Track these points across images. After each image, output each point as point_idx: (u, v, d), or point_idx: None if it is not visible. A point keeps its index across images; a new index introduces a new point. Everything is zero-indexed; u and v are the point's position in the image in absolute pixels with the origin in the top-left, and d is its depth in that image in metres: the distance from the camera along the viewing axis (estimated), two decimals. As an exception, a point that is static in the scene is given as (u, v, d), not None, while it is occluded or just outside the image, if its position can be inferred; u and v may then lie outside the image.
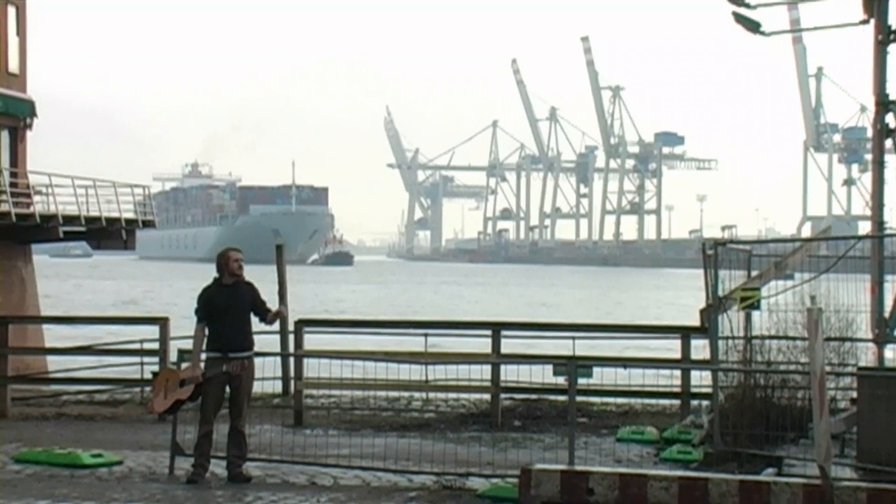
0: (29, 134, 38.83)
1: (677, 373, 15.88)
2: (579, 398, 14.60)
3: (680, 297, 67.78)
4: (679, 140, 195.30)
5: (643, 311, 60.01)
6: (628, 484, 10.24)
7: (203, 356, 11.79)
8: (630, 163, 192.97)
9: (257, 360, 14.97)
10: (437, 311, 57.62)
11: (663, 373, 16.30)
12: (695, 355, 15.51)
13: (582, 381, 13.07)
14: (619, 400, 17.03)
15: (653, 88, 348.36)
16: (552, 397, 16.58)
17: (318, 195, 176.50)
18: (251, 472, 11.97)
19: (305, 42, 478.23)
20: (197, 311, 11.87)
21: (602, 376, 15.07)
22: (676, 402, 16.20)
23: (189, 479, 11.66)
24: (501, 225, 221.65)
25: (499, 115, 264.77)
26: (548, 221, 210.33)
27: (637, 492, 10.21)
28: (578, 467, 10.78)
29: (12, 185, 34.30)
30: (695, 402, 15.65)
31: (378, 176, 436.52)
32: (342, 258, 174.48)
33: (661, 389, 16.40)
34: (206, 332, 11.78)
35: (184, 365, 12.38)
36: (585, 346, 17.17)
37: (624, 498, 10.21)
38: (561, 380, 14.53)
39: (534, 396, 16.83)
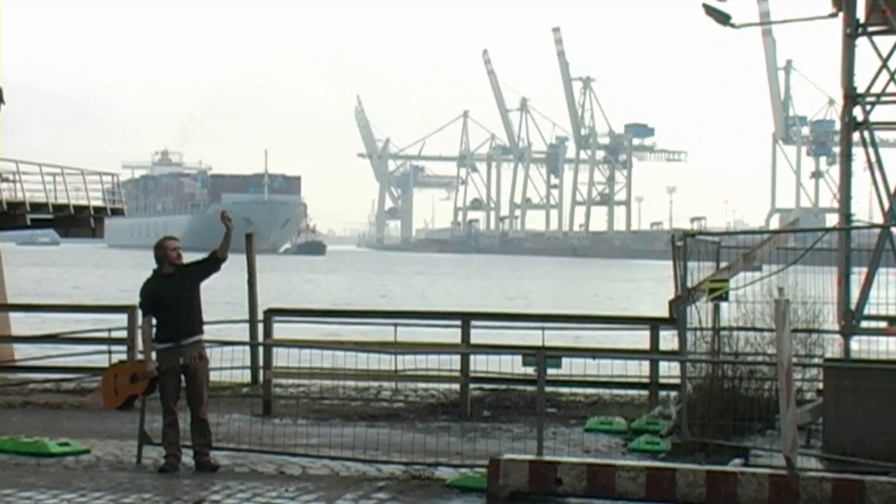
0: (-4, 120, 38.51)
1: (646, 363, 15.95)
2: (548, 388, 14.61)
3: (649, 288, 68.03)
4: (649, 132, 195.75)
5: (612, 302, 60.19)
6: (596, 474, 10.29)
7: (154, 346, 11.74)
8: (600, 154, 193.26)
9: (226, 350, 14.96)
10: (407, 301, 57.60)
11: (632, 363, 16.36)
12: (663, 346, 15.58)
13: (551, 371, 13.09)
14: (588, 390, 17.08)
15: (623, 80, 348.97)
16: (521, 387, 16.62)
17: (291, 184, 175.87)
18: (219, 460, 11.94)
19: (275, 31, 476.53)
20: (141, 305, 11.82)
21: (571, 366, 15.13)
22: (645, 392, 16.27)
23: (161, 469, 11.63)
24: (472, 215, 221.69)
25: (470, 105, 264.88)
26: (518, 212, 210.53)
27: (605, 482, 10.25)
28: (547, 457, 10.81)
29: (-21, 172, 34.00)
30: (663, 393, 15.73)
31: (348, 165, 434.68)
32: (315, 247, 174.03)
33: (630, 380, 16.46)
34: (154, 323, 11.72)
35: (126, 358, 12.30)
36: (555, 337, 17.21)
37: (592, 488, 10.26)
38: (530, 370, 14.55)
39: (503, 386, 16.86)
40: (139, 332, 12.44)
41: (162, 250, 11.81)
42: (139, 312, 11.94)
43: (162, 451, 11.91)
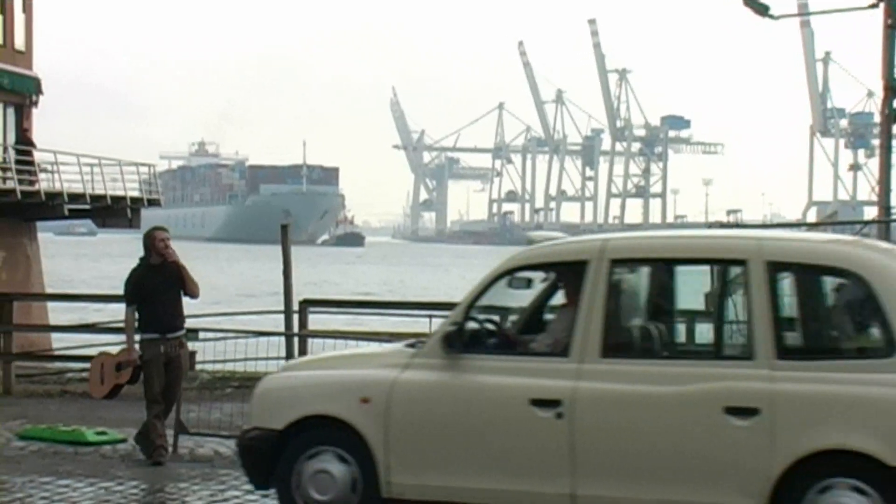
0: (35, 111, 38.84)
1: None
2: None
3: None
4: (685, 124, 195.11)
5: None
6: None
7: (137, 338, 11.69)
8: (636, 146, 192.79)
9: (262, 340, 15.00)
10: (443, 292, 57.56)
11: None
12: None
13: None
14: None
15: (660, 72, 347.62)
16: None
17: (329, 175, 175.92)
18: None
19: (309, 22, 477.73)
20: (126, 294, 11.73)
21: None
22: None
23: (155, 462, 11.45)
24: (506, 207, 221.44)
25: (505, 97, 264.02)
26: (553, 204, 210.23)
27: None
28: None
29: (18, 162, 34.30)
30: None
31: (383, 157, 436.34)
32: (353, 239, 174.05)
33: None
34: (136, 314, 11.64)
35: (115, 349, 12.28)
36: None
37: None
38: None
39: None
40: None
41: (150, 240, 11.72)
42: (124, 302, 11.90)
43: (197, 441, 11.96)
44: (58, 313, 31.41)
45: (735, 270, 7.94)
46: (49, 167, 35.93)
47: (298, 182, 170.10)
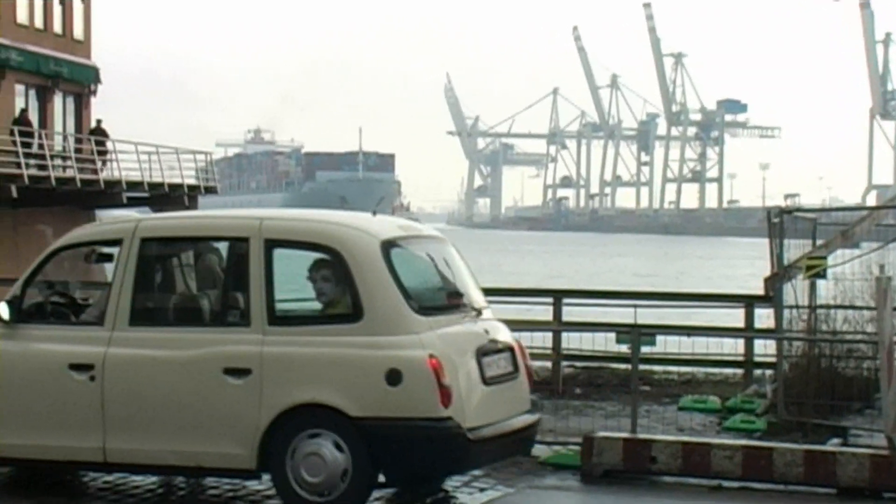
0: (93, 100, 39.26)
1: (740, 342, 15.74)
2: (641, 366, 14.46)
3: (741, 265, 67.22)
4: (742, 107, 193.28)
5: (705, 280, 59.57)
6: (692, 452, 10.19)
7: None
8: (692, 130, 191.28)
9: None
10: (498, 278, 57.56)
11: (726, 342, 16.15)
12: (758, 325, 15.34)
13: (645, 349, 13.01)
14: (682, 368, 16.89)
15: (716, 55, 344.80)
16: (614, 365, 16.50)
17: (385, 162, 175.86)
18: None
19: (362, 11, 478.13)
20: None
21: (665, 344, 14.98)
22: (739, 371, 16.07)
23: None
24: (561, 193, 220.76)
25: (559, 82, 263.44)
26: (608, 189, 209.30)
27: (700, 460, 10.16)
28: (641, 435, 10.73)
29: (79, 150, 34.67)
30: (758, 372, 15.51)
31: (438, 143, 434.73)
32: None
33: (725, 358, 16.26)
34: None
35: None
36: (647, 315, 17.05)
37: (687, 466, 10.17)
38: (623, 348, 14.46)
39: (595, 364, 16.75)
40: None
41: None
42: None
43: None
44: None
45: (240, 247, 8.92)
46: (108, 155, 36.33)
47: (355, 169, 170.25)
